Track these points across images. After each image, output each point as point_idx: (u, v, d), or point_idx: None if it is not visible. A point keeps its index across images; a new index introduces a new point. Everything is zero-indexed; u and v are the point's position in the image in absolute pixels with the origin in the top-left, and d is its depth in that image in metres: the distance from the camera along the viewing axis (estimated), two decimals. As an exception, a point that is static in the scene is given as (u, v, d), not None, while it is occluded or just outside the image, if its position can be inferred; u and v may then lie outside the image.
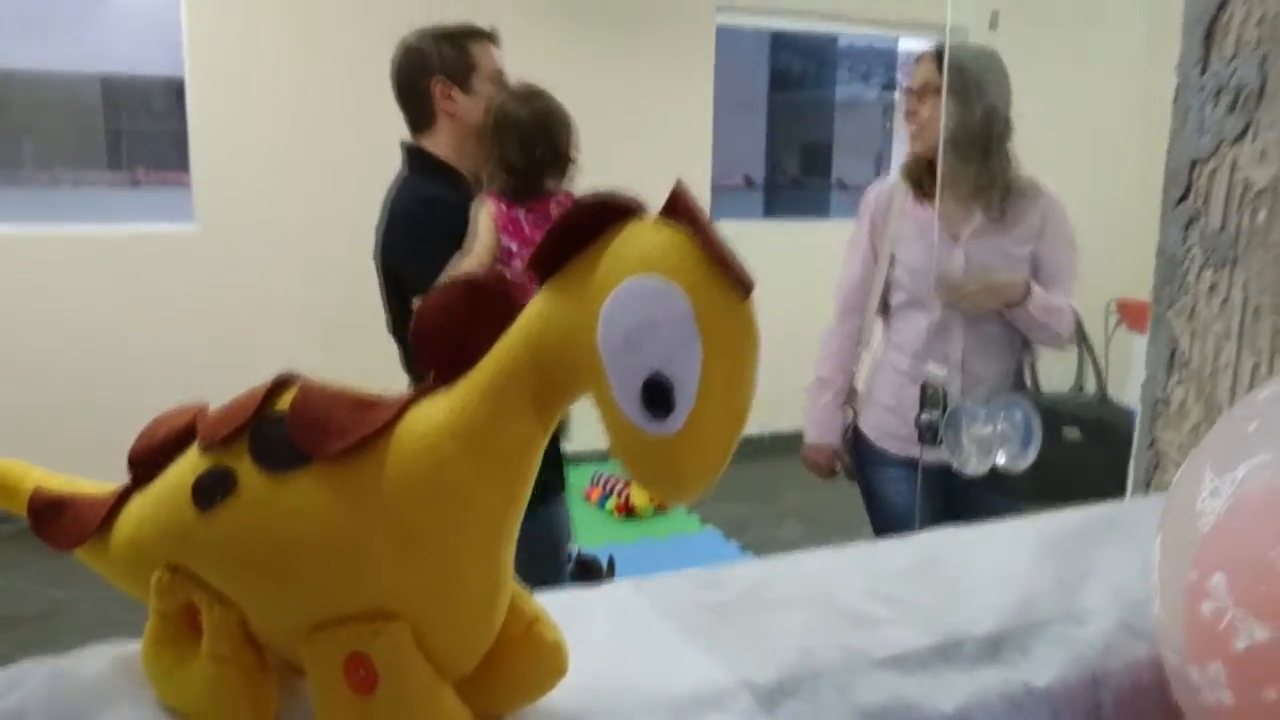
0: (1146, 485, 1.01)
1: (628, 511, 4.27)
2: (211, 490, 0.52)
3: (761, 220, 7.50)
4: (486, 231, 2.04)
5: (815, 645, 0.66)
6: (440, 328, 0.50)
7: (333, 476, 0.50)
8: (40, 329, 4.08)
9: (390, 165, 4.67)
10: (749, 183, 9.02)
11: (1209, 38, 0.93)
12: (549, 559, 2.26)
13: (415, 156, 2.15)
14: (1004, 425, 1.54)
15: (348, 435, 0.50)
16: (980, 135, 2.07)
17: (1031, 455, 1.53)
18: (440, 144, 2.13)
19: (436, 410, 0.49)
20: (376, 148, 4.48)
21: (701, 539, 4.18)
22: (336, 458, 0.50)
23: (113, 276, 4.19)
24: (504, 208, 2.09)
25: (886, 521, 2.17)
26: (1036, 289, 2.02)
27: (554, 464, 2.26)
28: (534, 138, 2.14)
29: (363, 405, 0.51)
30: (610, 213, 0.44)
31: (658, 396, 0.41)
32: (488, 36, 2.20)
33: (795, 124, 10.83)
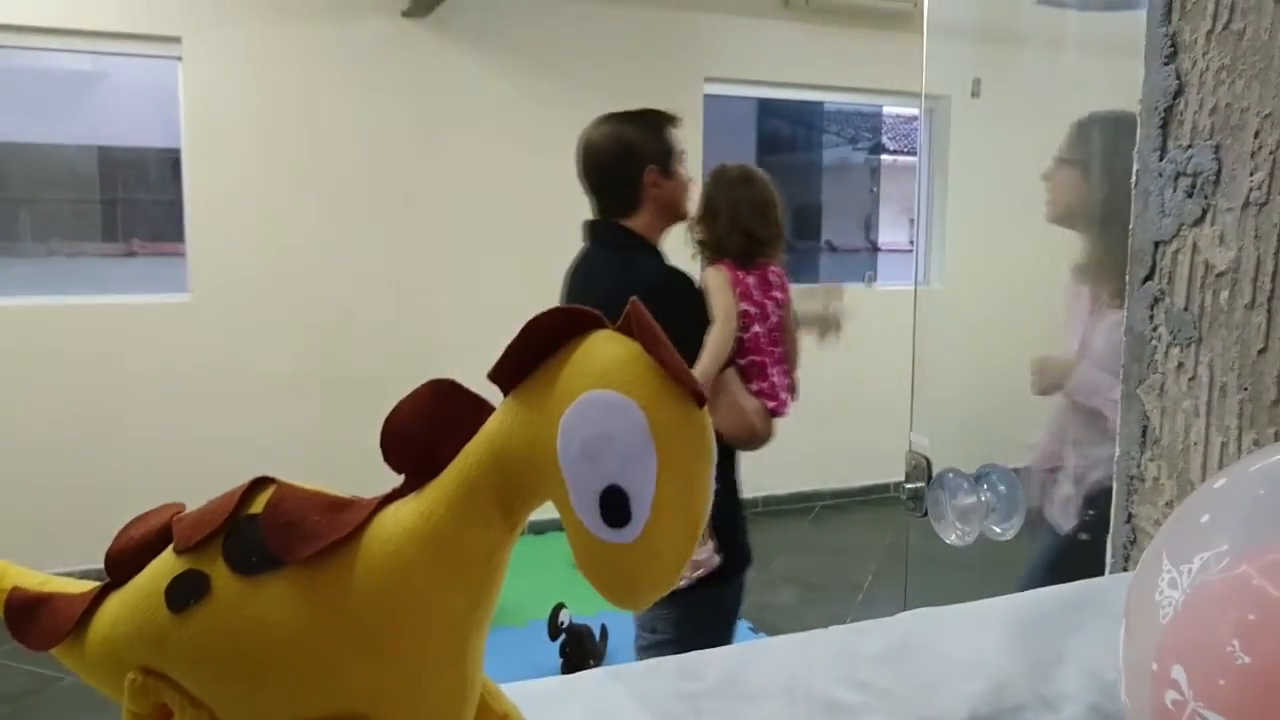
0: (1125, 561, 1.01)
1: (621, 578, 4.25)
2: (185, 594, 0.53)
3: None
4: (726, 296, 2.23)
5: (789, 736, 0.66)
6: (407, 431, 0.52)
7: (303, 580, 0.51)
8: (36, 400, 4.09)
9: (382, 236, 4.71)
10: (740, 246, 9.22)
11: (1165, 125, 0.96)
12: (725, 627, 2.34)
13: (619, 233, 2.23)
14: (988, 495, 1.55)
15: (318, 539, 0.51)
16: (1096, 208, 2.01)
17: (1016, 525, 1.54)
18: (639, 224, 2.22)
19: (404, 515, 0.51)
20: (370, 218, 4.54)
21: (695, 605, 4.16)
22: (307, 562, 0.51)
23: (109, 347, 4.21)
24: (739, 274, 2.30)
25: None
26: (1083, 374, 1.94)
27: (738, 537, 2.33)
28: (761, 213, 2.40)
29: (335, 508, 0.52)
30: (570, 326, 0.46)
31: (614, 507, 0.42)
32: (674, 120, 2.35)
33: (784, 188, 11.01)
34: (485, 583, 0.51)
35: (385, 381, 4.18)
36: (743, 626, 4.03)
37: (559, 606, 3.42)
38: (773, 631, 4.03)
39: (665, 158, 2.24)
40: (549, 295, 4.31)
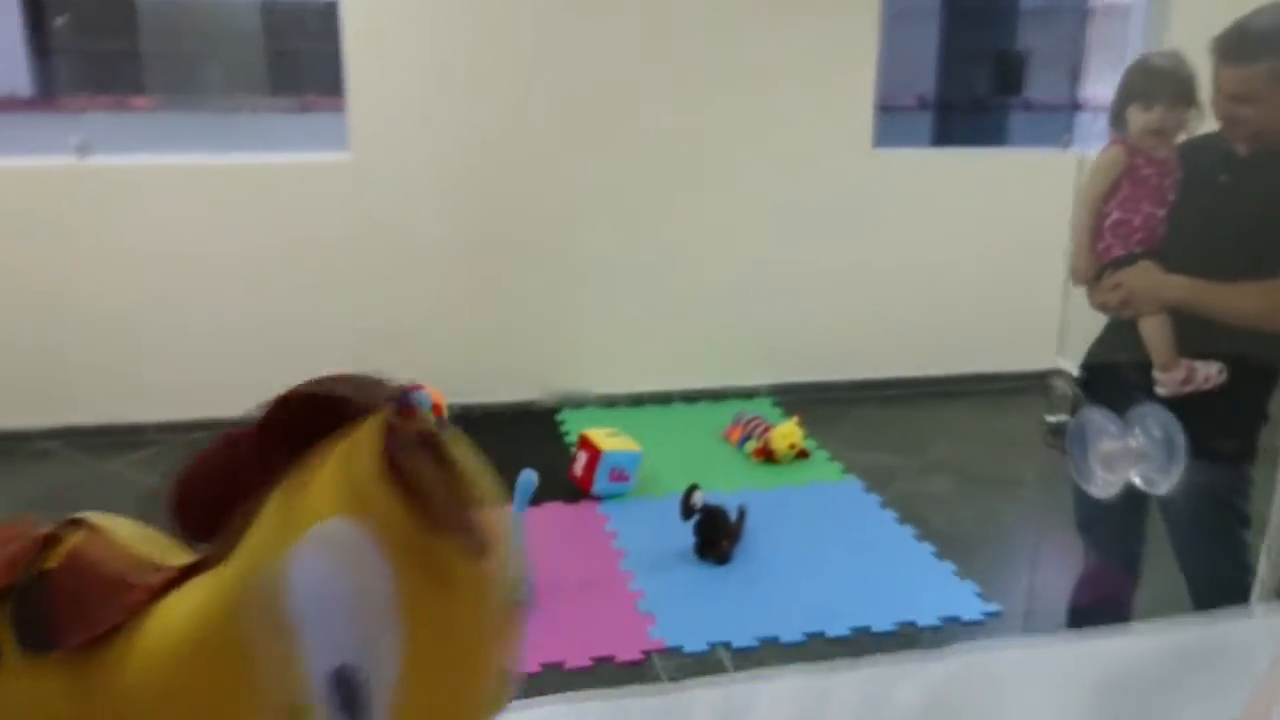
0: (1277, 594, 0.80)
1: (766, 456, 4.13)
2: None
3: (925, 149, 6.98)
4: None
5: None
6: (199, 495, 0.40)
7: (78, 672, 0.43)
8: (194, 259, 4.27)
9: (545, 91, 4.50)
10: (923, 103, 8.34)
11: None
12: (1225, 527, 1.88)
13: None
14: (1140, 441, 1.32)
15: (91, 625, 0.42)
16: None
17: (1174, 477, 1.30)
18: None
19: (190, 603, 0.40)
20: (532, 74, 4.39)
21: (841, 489, 4.00)
22: (81, 649, 0.42)
23: (269, 205, 4.33)
24: None
25: None
26: None
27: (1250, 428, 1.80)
28: None
29: (122, 584, 0.43)
30: (330, 412, 0.32)
31: (345, 691, 0.29)
32: None
33: (975, 35, 9.99)
34: (265, 688, 0.40)
35: (542, 247, 4.13)
36: (889, 516, 3.87)
37: (692, 488, 3.36)
38: (921, 524, 3.83)
39: None
40: (682, 172, 3.99)
